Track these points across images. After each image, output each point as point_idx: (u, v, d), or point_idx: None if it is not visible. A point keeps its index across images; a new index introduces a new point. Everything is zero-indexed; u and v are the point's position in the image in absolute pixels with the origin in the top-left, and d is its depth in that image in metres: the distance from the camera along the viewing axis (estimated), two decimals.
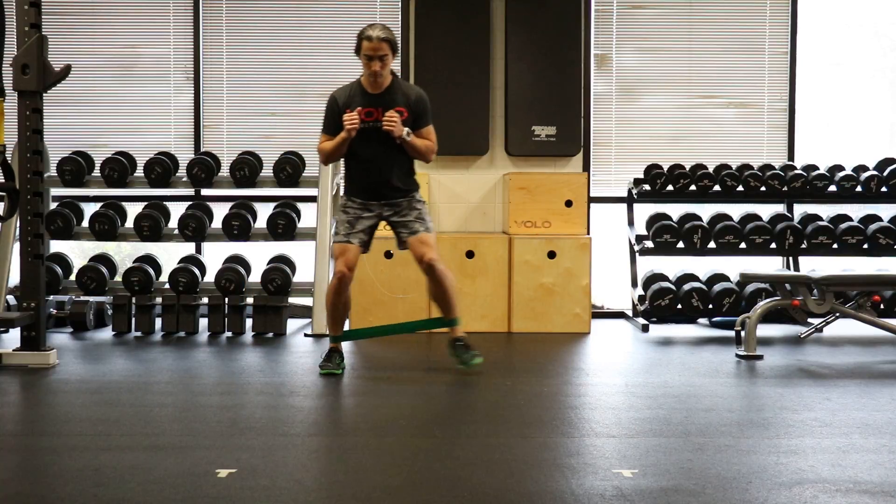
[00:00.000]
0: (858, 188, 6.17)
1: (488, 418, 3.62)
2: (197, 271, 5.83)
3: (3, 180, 4.64)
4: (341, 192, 4.56)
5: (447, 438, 3.22)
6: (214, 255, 6.31)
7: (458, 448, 3.08)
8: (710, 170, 6.14)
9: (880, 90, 7.17)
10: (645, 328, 5.89)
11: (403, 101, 4.39)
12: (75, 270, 5.98)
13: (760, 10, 6.59)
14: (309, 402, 3.85)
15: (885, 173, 6.16)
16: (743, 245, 5.98)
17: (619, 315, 6.52)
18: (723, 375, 4.43)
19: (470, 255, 5.83)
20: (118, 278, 6.04)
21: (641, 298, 6.03)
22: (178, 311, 5.64)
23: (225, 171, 6.17)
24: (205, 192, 6.40)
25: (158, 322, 5.74)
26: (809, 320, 5.42)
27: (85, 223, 6.05)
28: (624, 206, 6.45)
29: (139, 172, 6.11)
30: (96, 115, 6.61)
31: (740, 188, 6.13)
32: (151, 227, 5.85)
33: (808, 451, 3.04)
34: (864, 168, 6.25)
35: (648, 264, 6.28)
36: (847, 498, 2.56)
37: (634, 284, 6.22)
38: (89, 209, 6.18)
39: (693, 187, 6.14)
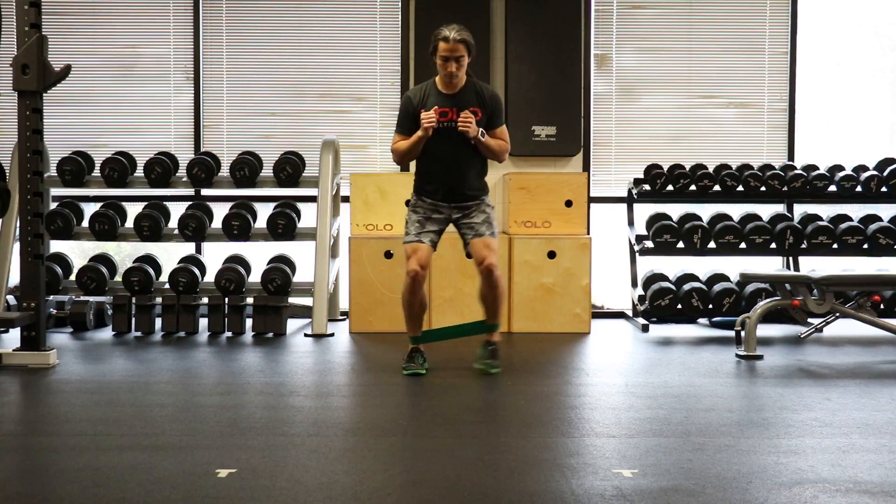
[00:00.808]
0: (858, 188, 6.17)
1: (488, 418, 3.62)
2: (197, 271, 5.83)
3: None
4: (411, 191, 4.55)
5: (447, 438, 3.22)
6: (214, 255, 6.31)
7: (458, 448, 3.08)
8: (710, 170, 6.14)
9: (880, 90, 7.17)
10: (645, 328, 5.89)
11: (478, 101, 4.39)
12: (75, 270, 5.98)
13: (760, 10, 6.59)
14: (309, 402, 3.84)
15: (885, 173, 6.16)
16: (743, 245, 5.98)
17: (619, 315, 6.52)
18: (723, 375, 4.43)
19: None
20: (118, 278, 6.04)
21: (641, 298, 6.03)
22: (178, 311, 5.64)
23: (225, 171, 6.18)
24: (205, 192, 6.41)
25: (158, 322, 5.74)
26: (809, 320, 5.42)
27: (85, 223, 6.06)
28: (624, 206, 6.45)
29: (139, 172, 6.12)
30: (96, 115, 6.61)
31: (740, 188, 6.13)
32: (151, 227, 5.86)
33: (808, 451, 3.04)
34: (864, 168, 6.26)
35: (648, 264, 6.28)
36: (847, 498, 2.56)
37: (634, 284, 6.22)
38: (89, 209, 6.18)
39: (693, 187, 6.15)
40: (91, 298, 5.88)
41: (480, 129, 4.31)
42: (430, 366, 4.50)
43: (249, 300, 5.73)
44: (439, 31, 4.32)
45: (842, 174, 6.16)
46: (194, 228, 5.86)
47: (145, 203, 6.09)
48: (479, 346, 4.54)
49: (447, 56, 4.29)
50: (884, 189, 6.12)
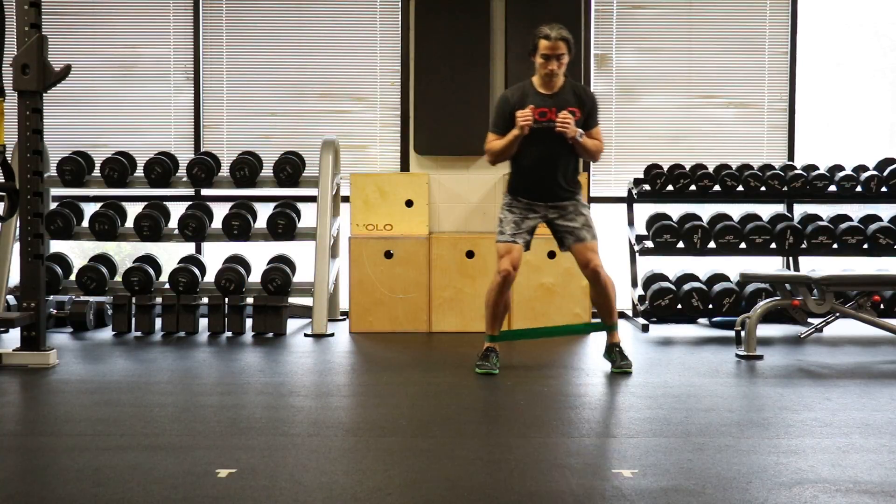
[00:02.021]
0: (858, 188, 6.17)
1: (488, 418, 3.62)
2: (197, 271, 5.83)
3: (3, 180, 4.64)
4: (504, 191, 4.55)
5: (447, 438, 3.22)
6: (214, 255, 6.31)
7: (458, 448, 3.08)
8: (710, 170, 6.14)
9: (880, 90, 7.17)
10: (645, 328, 5.89)
11: (576, 101, 4.38)
12: (75, 270, 5.98)
13: (760, 10, 6.59)
14: (309, 402, 3.84)
15: (885, 173, 6.16)
16: (743, 245, 5.98)
17: (620, 315, 6.50)
18: (723, 375, 4.43)
19: (470, 255, 5.83)
20: (118, 278, 6.04)
21: (641, 298, 6.03)
22: (178, 311, 5.64)
23: (225, 171, 6.18)
24: (205, 192, 6.40)
25: (158, 322, 5.74)
26: (809, 320, 5.42)
27: (85, 223, 6.06)
28: (624, 206, 6.45)
29: (139, 172, 6.12)
30: (96, 115, 6.61)
31: (740, 188, 6.13)
32: (151, 227, 5.86)
33: (808, 451, 3.04)
34: (864, 168, 6.26)
35: (648, 264, 6.28)
36: (847, 498, 2.55)
37: (634, 284, 6.22)
38: (89, 209, 6.18)
39: (693, 187, 6.14)
40: (91, 298, 5.88)
41: (579, 130, 4.30)
42: (429, 366, 4.50)
43: (249, 300, 5.73)
44: (540, 29, 4.33)
45: (842, 174, 6.16)
46: (194, 228, 5.86)
47: (145, 203, 6.09)
48: (604, 353, 4.56)
49: (548, 54, 4.29)
50: (884, 189, 6.12)
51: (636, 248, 6.19)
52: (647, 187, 6.15)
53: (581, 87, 4.48)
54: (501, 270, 4.35)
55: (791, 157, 6.60)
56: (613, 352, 4.53)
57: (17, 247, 5.13)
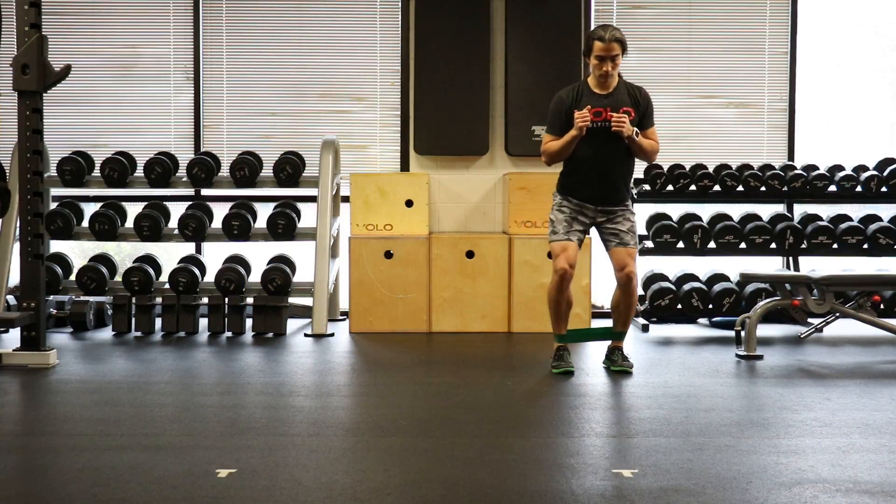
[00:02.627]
0: (858, 188, 6.17)
1: (488, 418, 3.62)
2: (197, 271, 5.83)
3: None
4: (554, 191, 4.56)
5: (447, 438, 3.22)
6: (214, 255, 6.31)
7: (458, 448, 3.08)
8: (710, 170, 6.13)
9: (880, 90, 7.17)
10: (645, 328, 5.89)
11: (631, 101, 4.39)
12: (75, 270, 5.98)
13: (760, 10, 6.59)
14: (309, 402, 3.84)
15: (885, 173, 6.16)
16: (743, 245, 5.98)
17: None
18: (723, 375, 4.43)
19: (470, 255, 5.83)
20: (118, 278, 6.04)
21: (641, 298, 6.03)
22: (178, 311, 5.64)
23: (225, 171, 6.17)
24: (205, 192, 6.40)
25: (158, 322, 5.74)
26: (809, 320, 5.42)
27: (85, 223, 6.05)
28: None
29: (139, 172, 6.11)
30: (96, 115, 6.61)
31: (740, 188, 6.13)
32: (151, 227, 5.85)
33: (808, 451, 3.04)
34: (864, 168, 6.25)
35: (648, 264, 6.28)
36: (847, 498, 2.56)
37: None
38: (89, 209, 6.18)
39: (693, 187, 6.14)
40: (91, 298, 5.88)
41: (635, 129, 4.31)
42: (429, 366, 4.50)
43: (249, 300, 5.73)
44: (594, 30, 4.34)
45: (842, 174, 6.16)
46: (194, 228, 5.86)
47: (145, 203, 6.09)
48: (605, 357, 4.61)
49: (603, 55, 4.29)
50: (884, 189, 6.12)
51: None
52: (647, 187, 6.15)
53: (636, 88, 4.47)
54: (558, 269, 4.38)
55: (791, 157, 6.60)
56: (615, 353, 4.56)
57: (17, 247, 5.13)
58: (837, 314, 5.09)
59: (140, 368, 4.65)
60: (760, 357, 4.81)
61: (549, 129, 4.45)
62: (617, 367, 4.48)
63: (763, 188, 6.10)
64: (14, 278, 5.46)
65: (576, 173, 4.44)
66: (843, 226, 5.97)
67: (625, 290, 4.43)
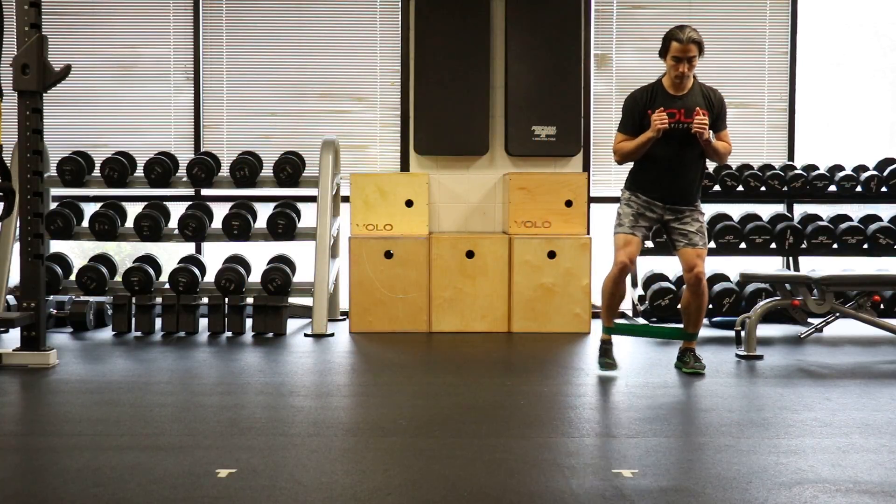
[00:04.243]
0: (858, 188, 6.17)
1: (488, 418, 3.62)
2: (197, 271, 5.83)
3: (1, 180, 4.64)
4: (623, 187, 4.56)
5: (447, 438, 3.22)
6: (214, 255, 6.31)
7: (458, 448, 3.08)
8: (711, 170, 6.13)
9: (880, 90, 7.17)
10: None
11: (705, 103, 4.38)
12: (75, 270, 5.98)
13: (760, 10, 6.59)
14: (309, 402, 3.84)
15: (885, 173, 6.16)
16: (743, 245, 5.98)
17: (620, 315, 6.50)
18: (723, 375, 4.43)
19: (470, 255, 5.83)
20: (118, 278, 6.04)
21: (641, 298, 6.03)
22: (178, 311, 5.64)
23: (225, 171, 6.17)
24: (205, 192, 6.40)
25: (158, 322, 5.74)
26: (809, 320, 5.42)
27: (85, 223, 6.05)
28: None
29: (139, 172, 6.11)
30: (96, 115, 6.61)
31: (740, 188, 6.13)
32: (151, 227, 5.85)
33: (808, 451, 3.04)
34: (864, 168, 6.26)
35: (648, 264, 6.28)
36: (847, 498, 2.56)
37: (634, 284, 6.21)
38: (89, 209, 6.18)
39: None
40: (91, 298, 5.88)
41: (710, 132, 4.31)
42: (429, 366, 4.50)
43: (249, 300, 5.73)
44: (672, 31, 4.34)
45: (842, 174, 6.16)
46: (194, 228, 5.86)
47: (145, 203, 6.09)
48: (677, 358, 4.57)
49: (680, 56, 4.29)
50: (884, 189, 6.12)
51: None
52: None
53: (709, 89, 4.47)
54: (619, 262, 4.40)
55: (791, 157, 6.60)
56: (687, 355, 4.52)
57: (17, 247, 5.13)
58: (837, 314, 5.09)
59: (140, 368, 4.65)
60: (760, 357, 4.81)
61: (621, 129, 4.46)
62: (689, 368, 4.46)
63: (763, 188, 6.10)
64: (14, 278, 5.46)
65: (648, 172, 4.43)
66: (843, 226, 5.97)
67: (694, 291, 4.40)
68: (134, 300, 5.70)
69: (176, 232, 5.96)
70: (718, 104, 4.43)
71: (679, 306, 4.64)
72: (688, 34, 4.28)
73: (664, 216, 4.46)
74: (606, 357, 4.46)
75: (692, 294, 4.42)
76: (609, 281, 4.45)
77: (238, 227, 5.84)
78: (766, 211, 6.23)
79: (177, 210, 6.15)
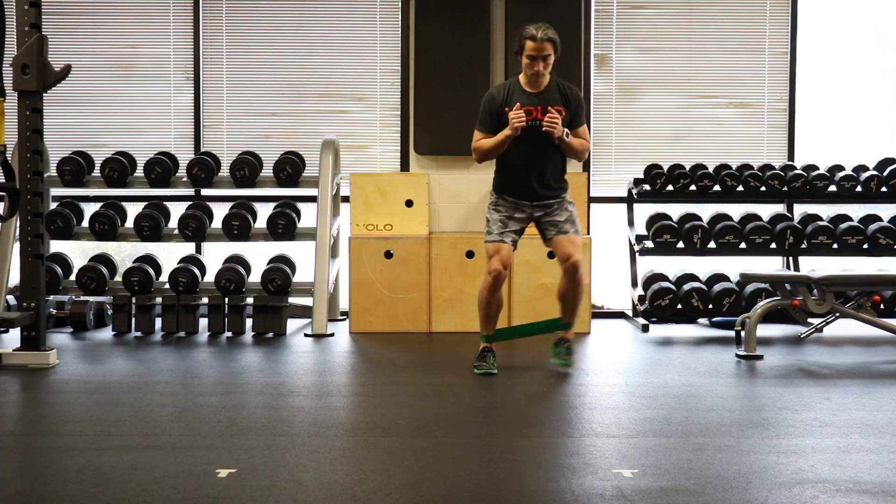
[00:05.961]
0: (858, 188, 6.17)
1: (488, 418, 3.61)
2: (197, 271, 5.83)
3: (4, 180, 4.64)
4: (490, 190, 4.55)
5: (447, 438, 3.22)
6: (214, 255, 6.31)
7: (458, 448, 3.08)
8: (710, 170, 6.14)
9: (880, 90, 7.17)
10: (645, 328, 5.89)
11: (562, 100, 4.38)
12: (75, 270, 5.98)
13: (760, 10, 6.59)
14: (309, 402, 3.84)
15: (885, 173, 6.16)
16: (743, 245, 5.98)
17: (619, 315, 6.52)
18: (723, 375, 4.43)
19: (470, 255, 5.83)
20: (118, 278, 6.04)
21: (641, 298, 6.03)
22: (178, 311, 5.64)
23: (225, 171, 6.17)
24: (205, 192, 6.40)
25: (158, 322, 5.74)
26: (809, 320, 5.42)
27: (85, 223, 6.05)
28: (624, 206, 6.45)
29: (139, 172, 6.12)
30: (96, 115, 6.61)
31: (740, 188, 6.13)
32: (151, 227, 5.86)
33: (808, 451, 3.04)
34: (864, 168, 6.26)
35: (648, 264, 6.28)
36: (847, 498, 2.55)
37: (634, 284, 6.22)
38: (89, 209, 6.18)
39: (693, 187, 6.15)
40: (91, 298, 5.88)
41: (566, 130, 4.30)
42: (429, 366, 4.50)
43: (249, 300, 5.73)
44: (526, 29, 4.31)
45: (842, 174, 6.16)
46: (194, 228, 5.86)
47: (145, 203, 6.09)
48: (552, 344, 4.56)
49: (534, 55, 4.28)
50: (884, 189, 6.12)
51: (636, 248, 6.19)
52: (647, 187, 6.15)
53: (566, 86, 4.46)
54: (492, 270, 4.35)
55: (791, 157, 6.60)
56: (561, 345, 4.52)
57: (17, 247, 5.13)
58: (837, 314, 5.08)
59: (140, 368, 4.65)
60: (760, 357, 4.81)
61: (479, 127, 4.44)
62: (560, 360, 4.47)
63: (763, 188, 6.11)
64: (14, 278, 5.46)
65: (508, 172, 4.43)
66: (843, 226, 5.97)
67: (571, 279, 4.38)
68: (134, 300, 5.70)
69: (176, 232, 5.96)
70: (575, 101, 4.41)
71: (556, 295, 4.56)
72: (543, 32, 4.26)
73: (534, 213, 4.45)
74: (484, 362, 4.39)
75: (569, 282, 4.38)
76: (485, 290, 4.39)
77: (238, 227, 5.84)
78: (766, 211, 6.23)
79: (177, 210, 6.15)
